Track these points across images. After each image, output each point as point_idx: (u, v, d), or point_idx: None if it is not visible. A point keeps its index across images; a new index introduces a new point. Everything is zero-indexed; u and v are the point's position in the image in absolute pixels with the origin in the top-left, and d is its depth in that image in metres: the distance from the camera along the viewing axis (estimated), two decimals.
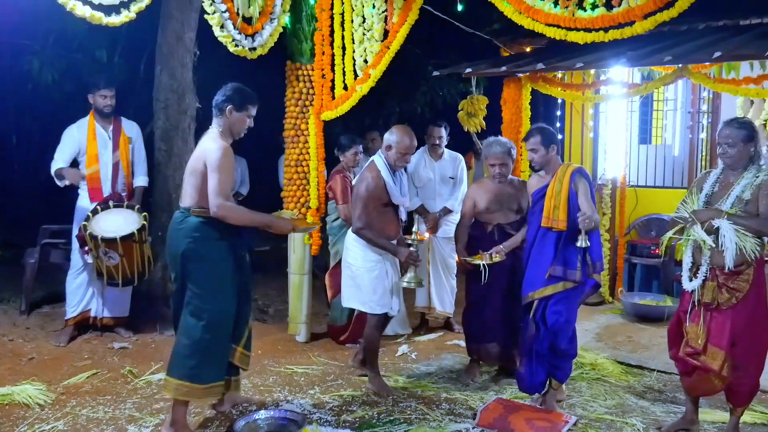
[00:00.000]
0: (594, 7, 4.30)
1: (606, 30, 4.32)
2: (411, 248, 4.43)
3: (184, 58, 6.05)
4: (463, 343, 5.26)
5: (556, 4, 4.44)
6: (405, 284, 4.50)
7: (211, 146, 3.69)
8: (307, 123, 5.61)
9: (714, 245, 3.62)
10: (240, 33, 5.03)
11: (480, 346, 4.89)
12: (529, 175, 4.61)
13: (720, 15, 5.81)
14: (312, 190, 5.59)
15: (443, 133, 5.97)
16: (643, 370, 5.14)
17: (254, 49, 5.19)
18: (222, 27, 4.93)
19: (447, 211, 5.91)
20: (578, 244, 4.02)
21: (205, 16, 4.93)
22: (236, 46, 5.05)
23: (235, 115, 3.80)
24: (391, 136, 4.46)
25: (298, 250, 5.78)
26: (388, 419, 4.16)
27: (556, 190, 4.19)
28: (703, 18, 5.84)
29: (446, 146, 6.06)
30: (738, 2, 5.73)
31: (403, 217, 4.68)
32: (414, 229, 4.42)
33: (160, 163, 6.00)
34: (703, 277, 3.72)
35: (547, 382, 4.36)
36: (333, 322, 5.79)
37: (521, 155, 5.76)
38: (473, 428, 3.92)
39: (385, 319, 4.67)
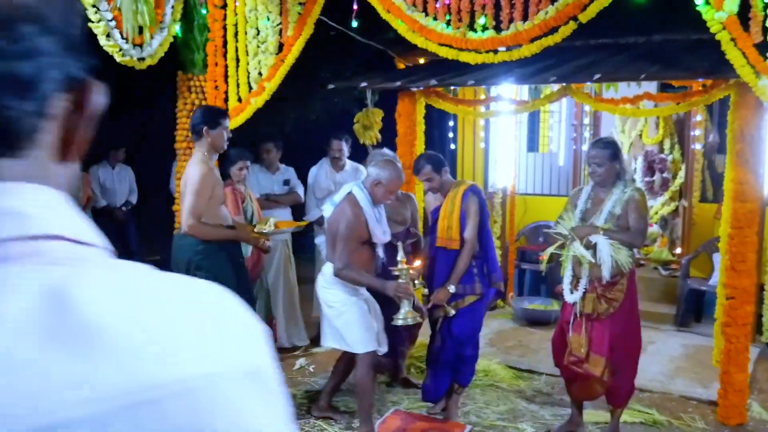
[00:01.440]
0: (484, 29, 4.45)
1: (495, 52, 4.49)
2: (399, 281, 3.96)
3: None
4: None
5: (448, 24, 4.57)
6: (401, 321, 4.02)
7: (190, 171, 4.08)
8: None
9: (593, 259, 3.85)
10: (128, 42, 4.84)
11: None
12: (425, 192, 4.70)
13: (598, 34, 6.15)
14: None
15: (343, 146, 5.95)
16: (532, 374, 5.38)
17: (143, 59, 5.00)
18: (108, 36, 4.73)
19: None
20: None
21: (90, 24, 4.71)
22: (123, 56, 4.85)
23: (212, 133, 4.12)
24: (382, 173, 4.04)
25: None
26: None
27: (449, 211, 4.31)
28: (583, 37, 6.15)
29: (350, 157, 6.08)
30: (613, 24, 6.08)
31: (381, 254, 4.24)
32: (399, 258, 3.97)
33: None
34: (584, 290, 3.94)
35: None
36: None
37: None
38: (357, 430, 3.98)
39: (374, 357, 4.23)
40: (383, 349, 4.22)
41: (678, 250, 7.33)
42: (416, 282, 4.43)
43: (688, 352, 5.96)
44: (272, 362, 0.56)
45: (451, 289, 4.24)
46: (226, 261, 4.11)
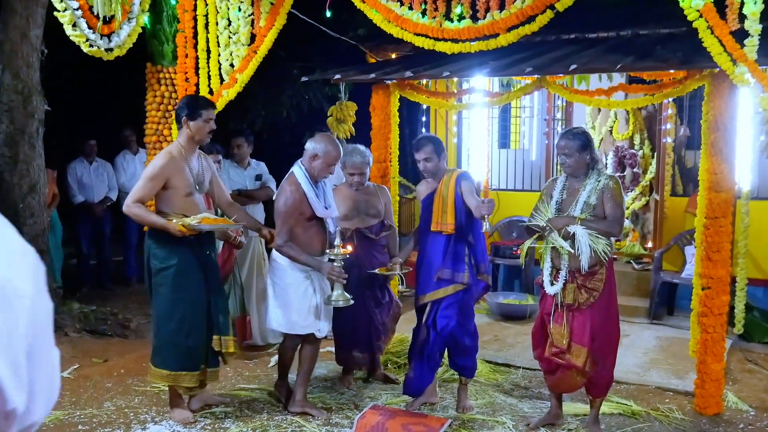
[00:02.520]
0: (461, 18, 4.41)
1: (472, 41, 4.46)
2: (334, 263, 4.09)
3: (30, 57, 5.61)
4: None
5: (424, 14, 4.52)
6: (332, 303, 4.16)
7: (155, 157, 4.19)
8: (170, 128, 5.35)
9: (571, 250, 3.83)
10: (95, 32, 4.70)
11: (348, 353, 4.88)
12: (413, 184, 4.66)
13: (573, 28, 6.18)
14: None
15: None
16: (509, 368, 5.35)
17: (111, 50, 4.86)
18: (74, 26, 4.59)
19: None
20: (482, 230, 4.19)
21: (55, 13, 4.57)
22: (90, 46, 4.72)
23: (192, 124, 4.10)
24: (317, 145, 4.16)
25: None
26: None
27: (443, 195, 4.28)
28: (555, 31, 6.18)
29: None
30: (585, 18, 6.12)
31: (332, 229, 4.33)
32: (336, 242, 4.07)
33: (4, 170, 5.51)
34: (564, 281, 3.91)
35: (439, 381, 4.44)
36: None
37: (390, 162, 5.81)
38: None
39: (313, 340, 4.33)
40: (322, 333, 4.32)
41: (650, 244, 7.39)
42: (400, 272, 4.50)
43: (662, 344, 5.99)
44: (31, 287, 0.67)
45: (486, 225, 4.17)
46: (187, 253, 4.10)
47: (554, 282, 3.96)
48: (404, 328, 5.63)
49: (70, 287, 7.03)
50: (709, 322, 4.42)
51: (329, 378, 5.08)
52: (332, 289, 4.17)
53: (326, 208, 4.25)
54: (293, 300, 4.21)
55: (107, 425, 4.17)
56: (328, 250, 4.15)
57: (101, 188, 7.95)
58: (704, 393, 4.47)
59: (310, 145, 4.20)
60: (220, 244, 5.42)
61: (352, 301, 4.17)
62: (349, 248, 4.24)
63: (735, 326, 5.83)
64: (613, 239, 3.97)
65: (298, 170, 4.20)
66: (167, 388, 4.25)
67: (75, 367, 5.21)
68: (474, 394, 4.76)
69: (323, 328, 4.31)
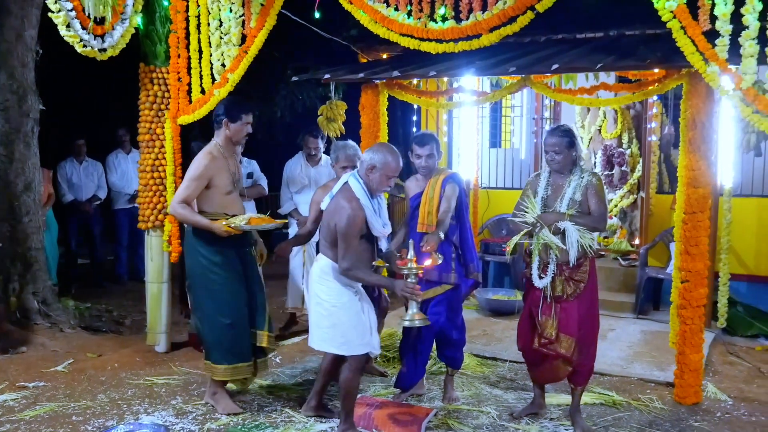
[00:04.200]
0: (444, 19, 4.54)
1: (456, 41, 4.58)
2: (408, 280, 3.72)
3: (25, 57, 5.71)
4: None
5: (409, 15, 4.64)
6: (407, 323, 3.83)
7: (195, 158, 4.24)
8: (163, 127, 5.46)
9: (562, 245, 3.95)
10: (89, 33, 4.80)
11: None
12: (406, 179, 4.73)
13: (559, 29, 6.31)
14: (169, 196, 5.43)
15: (319, 143, 6.13)
16: (496, 361, 5.47)
17: (104, 50, 4.96)
18: (68, 26, 4.69)
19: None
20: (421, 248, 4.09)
21: (49, 14, 4.67)
22: (84, 46, 4.81)
23: (232, 126, 4.27)
24: (375, 156, 3.78)
25: (156, 258, 5.61)
26: (253, 425, 4.15)
27: (430, 196, 4.41)
28: (543, 32, 6.31)
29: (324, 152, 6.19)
30: (573, 19, 6.24)
31: (383, 246, 3.98)
32: (409, 256, 3.73)
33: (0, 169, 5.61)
34: (552, 274, 4.03)
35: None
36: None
37: None
38: (338, 427, 4.00)
39: (366, 359, 4.02)
40: (376, 350, 4.00)
41: (637, 241, 7.51)
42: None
43: (647, 338, 6.11)
44: None
45: (441, 235, 4.23)
46: (231, 251, 4.27)
47: (543, 276, 4.07)
48: (392, 323, 5.76)
49: (60, 285, 7.13)
50: (687, 314, 4.54)
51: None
52: (406, 309, 3.84)
53: (383, 226, 3.88)
54: (351, 319, 3.84)
55: (101, 416, 4.27)
56: (400, 264, 3.80)
57: (90, 187, 8.08)
58: (683, 383, 4.59)
59: (367, 156, 3.82)
60: None
61: (429, 321, 3.94)
62: (428, 262, 3.99)
63: (718, 320, 5.97)
64: (596, 234, 4.10)
65: (355, 183, 3.80)
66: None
67: (69, 361, 5.30)
68: (460, 385, 4.87)
69: (377, 345, 4.00)
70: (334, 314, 3.85)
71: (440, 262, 4.19)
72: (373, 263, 3.97)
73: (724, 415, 4.44)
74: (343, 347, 3.86)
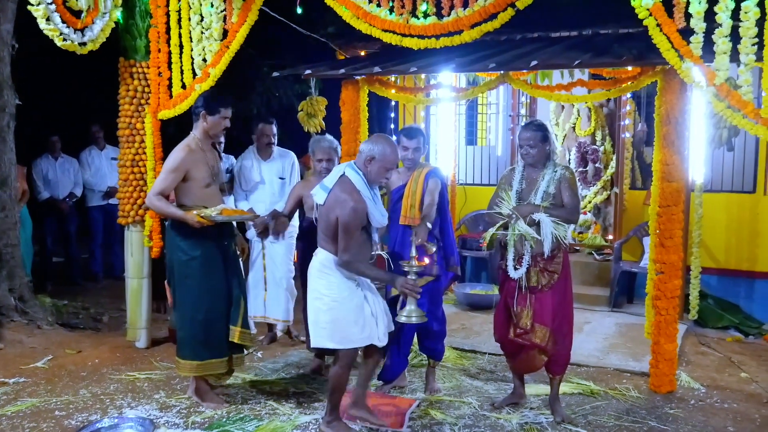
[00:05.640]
0: (426, 15, 4.61)
1: (437, 37, 4.65)
2: (408, 275, 3.77)
3: (1, 51, 5.64)
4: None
5: (391, 11, 4.70)
6: (404, 319, 3.82)
7: (173, 151, 4.23)
8: (143, 122, 5.44)
9: (537, 236, 4.03)
10: (68, 27, 4.77)
11: None
12: None
13: (535, 28, 6.41)
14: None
15: (275, 130, 5.76)
16: (476, 354, 5.55)
17: (84, 44, 4.94)
18: (48, 20, 4.66)
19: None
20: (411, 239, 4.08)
21: (29, 7, 4.63)
22: (64, 40, 4.79)
23: (209, 119, 4.25)
24: (374, 147, 3.75)
25: (136, 254, 5.59)
26: (237, 417, 4.17)
27: (413, 190, 4.46)
28: (520, 30, 6.41)
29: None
30: (549, 17, 6.36)
31: (375, 238, 3.97)
32: (411, 254, 3.81)
33: None
34: (527, 265, 4.12)
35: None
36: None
37: None
38: (323, 419, 4.04)
39: (374, 350, 3.96)
40: (382, 342, 3.91)
41: (610, 236, 7.66)
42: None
43: (621, 330, 6.25)
44: None
45: (429, 225, 4.29)
46: (209, 244, 4.24)
47: (518, 267, 4.16)
48: None
49: (36, 283, 7.04)
50: (662, 305, 4.66)
51: (302, 365, 5.22)
52: (405, 304, 3.85)
53: (382, 216, 3.86)
54: (350, 313, 3.79)
55: (84, 411, 4.25)
56: (402, 262, 3.85)
57: (66, 184, 7.98)
58: (658, 372, 4.71)
59: (366, 147, 3.80)
60: None
61: (426, 318, 3.90)
62: (426, 260, 4.04)
63: (690, 312, 6.13)
64: (570, 226, 4.20)
65: (354, 175, 3.77)
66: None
67: (49, 358, 5.26)
68: (441, 377, 4.94)
69: (383, 336, 3.90)
70: (334, 309, 3.78)
71: (434, 251, 4.27)
72: (373, 254, 3.96)
73: (698, 403, 4.57)
74: (342, 342, 3.80)
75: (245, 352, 4.54)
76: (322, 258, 3.83)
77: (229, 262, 4.37)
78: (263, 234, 4.93)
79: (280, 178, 5.76)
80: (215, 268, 4.28)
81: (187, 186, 4.22)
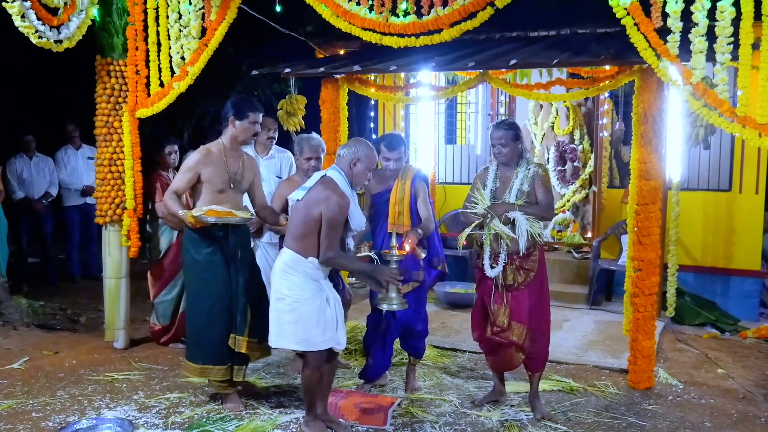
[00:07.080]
0: (406, 14, 4.61)
1: (417, 36, 4.66)
2: (390, 265, 3.87)
3: None
4: None
5: (371, 9, 4.70)
6: (386, 306, 3.93)
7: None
8: (121, 120, 5.38)
9: (513, 234, 4.05)
10: (44, 24, 4.71)
11: None
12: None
13: (514, 27, 6.45)
14: (128, 191, 5.36)
15: (276, 124, 5.52)
16: (456, 352, 5.57)
17: (60, 41, 4.87)
18: (23, 17, 4.59)
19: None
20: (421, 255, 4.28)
21: (3, 4, 4.57)
22: (40, 38, 4.72)
23: (238, 124, 4.19)
24: (359, 149, 3.82)
25: (114, 253, 5.53)
26: (218, 417, 4.15)
27: (399, 197, 4.46)
28: (498, 29, 6.45)
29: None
30: (527, 17, 6.40)
31: (351, 244, 4.01)
32: (391, 243, 3.98)
33: None
34: (503, 263, 4.13)
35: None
36: (155, 324, 5.59)
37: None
38: (303, 418, 4.03)
39: (329, 355, 3.93)
40: (341, 346, 3.93)
41: (589, 235, 7.72)
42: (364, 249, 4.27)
43: (600, 327, 6.30)
44: None
45: (420, 231, 4.31)
46: (214, 247, 4.19)
47: (494, 265, 4.17)
48: (354, 317, 5.81)
49: (12, 284, 6.94)
50: (640, 302, 4.71)
51: (282, 364, 5.20)
52: (387, 291, 3.90)
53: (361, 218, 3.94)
54: (313, 315, 3.76)
55: (61, 412, 4.20)
56: (384, 252, 3.96)
57: (42, 184, 7.87)
58: (636, 369, 4.76)
59: (348, 150, 3.84)
60: (173, 237, 5.49)
61: (407, 305, 4.02)
62: (407, 247, 4.13)
63: (667, 309, 6.20)
64: (544, 223, 4.22)
65: (338, 176, 3.81)
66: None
67: (25, 359, 5.19)
68: (422, 376, 4.94)
69: (342, 340, 3.92)
70: (296, 309, 3.75)
71: (423, 256, 4.35)
72: (360, 254, 4.02)
73: (676, 399, 4.62)
74: (304, 344, 3.78)
75: (248, 364, 4.36)
76: (286, 258, 3.80)
77: (238, 269, 4.24)
78: (258, 234, 4.92)
79: (278, 177, 5.55)
80: (217, 274, 4.19)
81: (200, 188, 4.20)
